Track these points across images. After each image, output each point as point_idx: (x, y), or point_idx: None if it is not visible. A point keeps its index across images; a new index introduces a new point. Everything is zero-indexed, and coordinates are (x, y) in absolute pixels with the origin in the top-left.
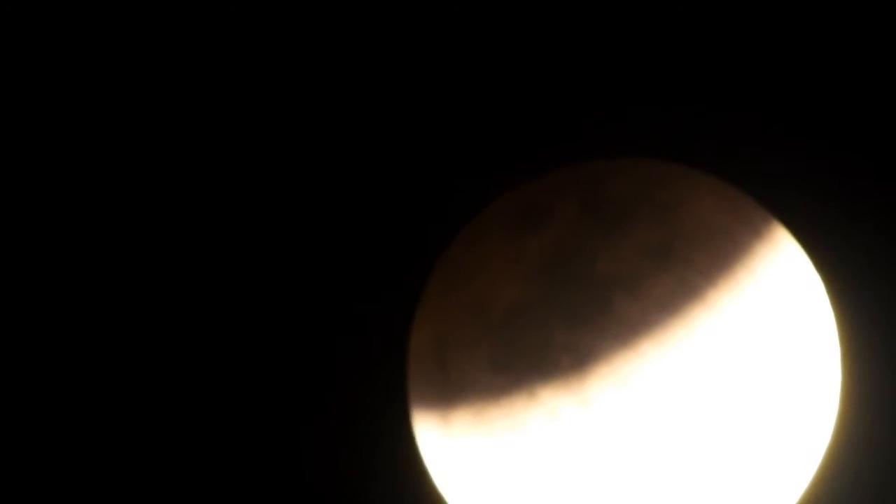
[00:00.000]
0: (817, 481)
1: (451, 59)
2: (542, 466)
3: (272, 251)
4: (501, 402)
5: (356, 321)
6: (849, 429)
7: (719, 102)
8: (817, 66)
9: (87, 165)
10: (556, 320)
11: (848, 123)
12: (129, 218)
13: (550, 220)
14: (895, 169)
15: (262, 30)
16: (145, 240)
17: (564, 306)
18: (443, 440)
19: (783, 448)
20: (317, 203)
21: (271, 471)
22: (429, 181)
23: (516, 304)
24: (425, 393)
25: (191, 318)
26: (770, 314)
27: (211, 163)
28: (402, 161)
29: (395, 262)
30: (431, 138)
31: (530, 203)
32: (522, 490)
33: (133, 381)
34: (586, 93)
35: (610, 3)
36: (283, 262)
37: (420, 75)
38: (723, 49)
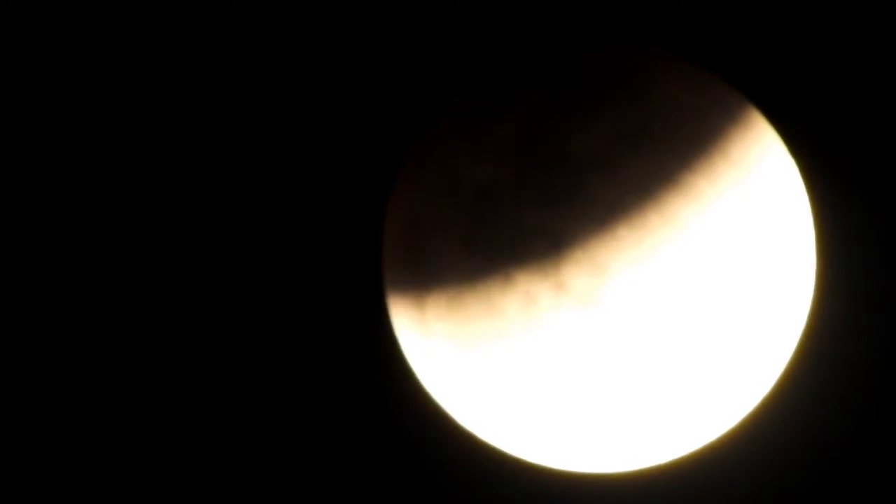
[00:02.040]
0: (792, 367)
1: None
2: (517, 350)
3: (246, 138)
4: (477, 286)
5: (330, 207)
6: (823, 313)
7: None
8: None
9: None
10: (529, 201)
11: (828, 14)
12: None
13: (522, 102)
14: (872, 54)
15: None
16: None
17: (538, 187)
18: (418, 325)
19: (759, 333)
20: (293, 87)
21: (245, 362)
22: (399, 64)
23: (489, 184)
24: (400, 278)
25: (164, 244)
26: (745, 198)
27: (169, 99)
28: (376, 41)
29: (367, 146)
30: (400, 22)
31: (503, 85)
32: (498, 374)
33: (95, 342)
34: None
35: None
36: (255, 148)
37: None
38: None
